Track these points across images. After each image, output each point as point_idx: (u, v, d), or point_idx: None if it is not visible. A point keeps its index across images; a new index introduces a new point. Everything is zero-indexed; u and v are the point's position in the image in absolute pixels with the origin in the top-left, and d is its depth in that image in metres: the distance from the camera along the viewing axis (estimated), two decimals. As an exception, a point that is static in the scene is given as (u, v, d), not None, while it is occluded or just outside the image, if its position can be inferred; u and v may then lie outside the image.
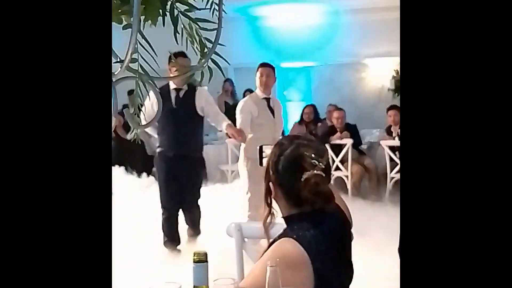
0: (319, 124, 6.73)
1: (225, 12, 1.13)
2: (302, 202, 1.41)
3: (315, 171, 1.38)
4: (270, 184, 1.46)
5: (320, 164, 1.39)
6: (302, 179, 1.37)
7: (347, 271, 1.48)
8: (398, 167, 5.77)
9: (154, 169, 6.68)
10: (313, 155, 1.39)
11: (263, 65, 4.10)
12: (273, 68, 4.12)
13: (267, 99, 4.12)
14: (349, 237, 1.53)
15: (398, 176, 5.83)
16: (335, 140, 6.11)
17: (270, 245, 1.44)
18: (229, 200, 5.05)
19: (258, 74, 4.07)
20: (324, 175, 1.40)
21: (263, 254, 1.43)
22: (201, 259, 1.26)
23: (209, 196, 5.68)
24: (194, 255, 1.28)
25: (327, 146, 6.08)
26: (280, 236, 1.42)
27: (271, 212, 1.53)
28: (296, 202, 1.43)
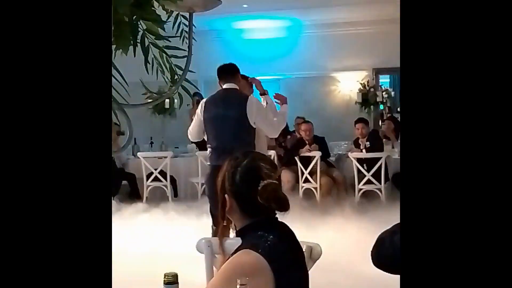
0: (288, 136, 6.78)
1: (195, 40, 1.16)
2: (258, 211, 1.45)
3: (271, 180, 1.44)
4: (226, 196, 1.50)
5: (274, 175, 1.47)
6: (260, 187, 1.43)
7: (304, 271, 1.52)
8: (366, 179, 5.89)
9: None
10: (268, 167, 1.47)
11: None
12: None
13: None
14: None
15: (365, 187, 5.96)
16: (304, 152, 6.20)
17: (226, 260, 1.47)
18: (199, 213, 5.03)
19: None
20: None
21: (219, 267, 1.45)
22: (171, 281, 1.28)
23: (180, 209, 5.65)
24: (164, 277, 1.30)
25: (297, 158, 6.18)
26: (236, 250, 1.46)
27: (226, 225, 1.56)
28: (251, 212, 1.48)
